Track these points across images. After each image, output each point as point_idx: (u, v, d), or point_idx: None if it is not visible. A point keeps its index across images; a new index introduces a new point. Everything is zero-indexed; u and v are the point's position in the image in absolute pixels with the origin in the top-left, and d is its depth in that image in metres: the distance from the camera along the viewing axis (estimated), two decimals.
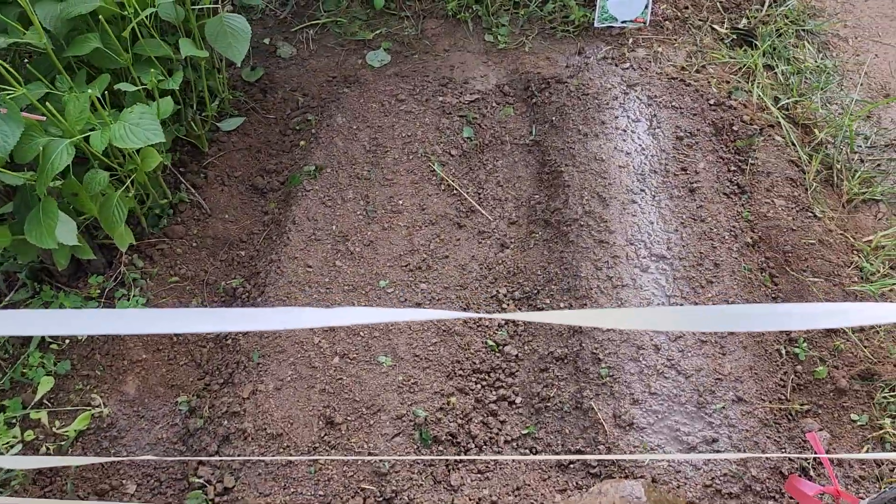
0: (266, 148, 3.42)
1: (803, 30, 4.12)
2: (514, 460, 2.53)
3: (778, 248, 3.00)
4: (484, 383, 2.69)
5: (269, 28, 4.06)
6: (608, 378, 2.55)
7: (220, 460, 2.45)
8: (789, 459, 2.43)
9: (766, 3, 4.14)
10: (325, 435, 2.46)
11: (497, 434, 2.57)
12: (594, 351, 2.61)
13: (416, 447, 2.43)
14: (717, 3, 4.15)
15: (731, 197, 3.15)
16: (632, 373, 2.55)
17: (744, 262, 2.90)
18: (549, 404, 2.59)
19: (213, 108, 3.21)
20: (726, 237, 2.95)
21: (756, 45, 3.90)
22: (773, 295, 2.88)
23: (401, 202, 3.08)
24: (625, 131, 3.29)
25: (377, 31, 3.98)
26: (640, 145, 3.23)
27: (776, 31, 4.01)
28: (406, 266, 2.89)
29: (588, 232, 2.94)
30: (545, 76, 3.65)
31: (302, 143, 3.38)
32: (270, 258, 2.94)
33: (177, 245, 2.98)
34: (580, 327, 2.69)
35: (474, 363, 2.72)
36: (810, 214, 3.13)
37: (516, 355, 2.76)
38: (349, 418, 2.49)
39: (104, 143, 2.27)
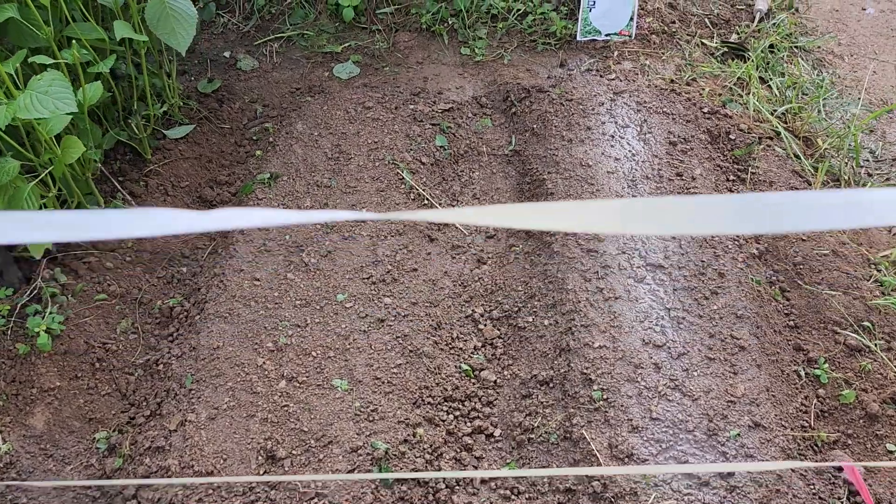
0: (218, 158, 3.09)
1: (796, 46, 3.90)
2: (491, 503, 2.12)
3: (787, 259, 2.67)
4: (457, 413, 2.30)
5: (231, 42, 3.79)
6: (602, 402, 2.17)
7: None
8: (819, 497, 2.04)
9: (756, 19, 3.93)
10: (265, 472, 2.05)
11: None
12: (584, 371, 2.24)
13: (374, 486, 2.02)
14: (706, 19, 3.94)
15: None
16: (629, 395, 2.18)
17: (751, 274, 2.56)
18: (532, 436, 2.20)
19: (156, 108, 2.88)
20: (730, 246, 2.63)
21: (749, 57, 3.67)
22: (786, 311, 2.54)
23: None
24: (612, 137, 2.99)
25: (346, 44, 3.72)
26: (629, 151, 2.93)
27: (769, 46, 3.78)
28: (368, 279, 2.53)
29: (574, 241, 2.61)
30: (525, 86, 3.37)
31: (258, 152, 3.06)
32: (213, 272, 2.58)
33: (107, 258, 2.61)
34: (568, 346, 2.33)
35: (445, 389, 2.33)
36: None
37: (495, 381, 2.38)
38: (294, 452, 2.09)
39: (7, 118, 1.93)
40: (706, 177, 2.87)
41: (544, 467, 2.13)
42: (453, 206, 2.93)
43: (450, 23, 3.79)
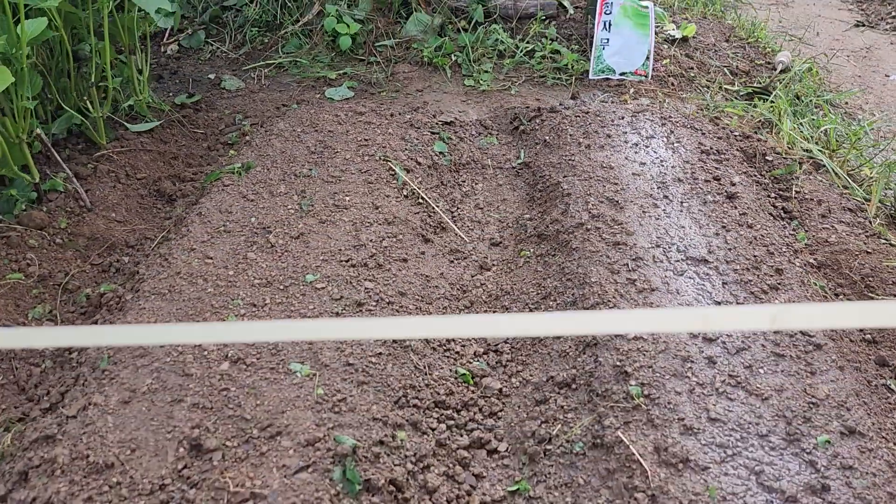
0: (185, 158, 2.71)
1: (823, 99, 3.64)
2: None
3: (852, 272, 2.23)
4: (451, 423, 1.76)
5: (218, 67, 3.52)
6: (642, 399, 1.65)
7: None
8: None
9: (778, 70, 3.71)
10: (186, 466, 1.49)
11: (469, 493, 1.61)
12: (618, 363, 1.73)
13: (334, 492, 1.46)
14: (725, 69, 3.71)
15: (778, 220, 2.43)
16: (678, 391, 1.66)
17: (813, 279, 2.11)
18: (550, 447, 1.66)
19: (115, 81, 2.53)
20: (784, 249, 2.19)
21: (777, 96, 3.39)
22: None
23: (347, 199, 2.32)
24: (636, 145, 2.63)
25: (341, 72, 3.46)
26: (656, 157, 2.56)
27: (795, 94, 3.52)
28: (347, 261, 2.06)
29: (598, 235, 2.17)
30: (535, 107, 3.07)
31: (232, 152, 2.68)
32: (159, 252, 2.12)
33: (31, 236, 2.16)
34: (595, 339, 1.83)
35: (437, 393, 1.81)
36: (884, 241, 2.39)
37: (500, 389, 1.86)
38: (229, 442, 1.54)
39: None
40: (747, 186, 2.48)
41: (566, 484, 1.57)
42: (453, 213, 2.51)
43: (453, 58, 3.55)
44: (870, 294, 2.16)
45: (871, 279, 2.20)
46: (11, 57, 2.05)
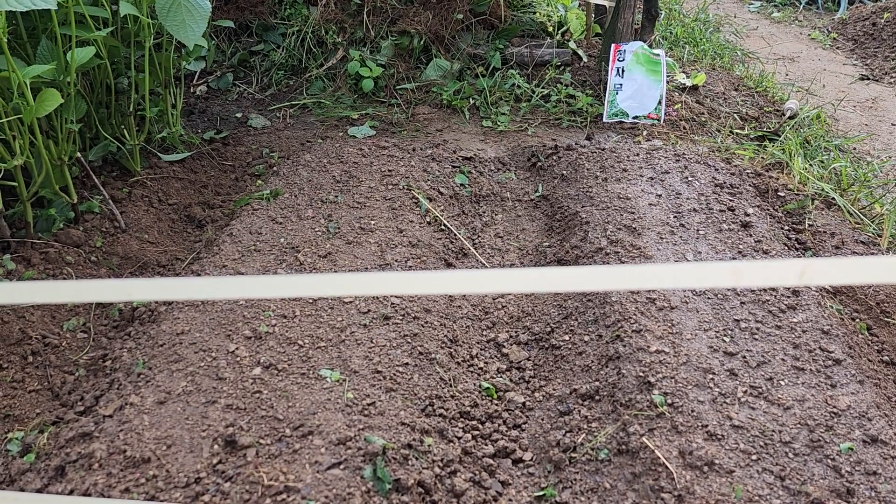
0: (214, 186, 2.80)
1: (832, 144, 3.74)
2: None
3: (867, 299, 2.27)
4: (476, 433, 1.79)
5: (245, 107, 3.66)
6: (666, 407, 1.68)
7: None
8: None
9: (787, 115, 3.82)
10: (220, 461, 1.52)
11: (496, 498, 1.63)
12: (641, 374, 1.77)
13: (365, 489, 1.49)
14: (734, 115, 3.82)
15: (793, 250, 2.49)
16: (700, 400, 1.69)
17: (830, 303, 2.15)
18: (575, 455, 1.68)
19: (153, 110, 2.64)
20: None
21: (787, 139, 3.48)
22: (878, 347, 2.09)
23: (373, 223, 2.39)
24: (652, 178, 2.71)
25: (363, 112, 3.58)
26: (672, 190, 2.63)
27: (804, 138, 3.62)
28: None
29: (617, 259, 2.23)
30: (552, 146, 3.16)
31: (259, 182, 2.77)
32: (192, 269, 2.18)
33: (69, 252, 2.23)
34: (617, 353, 1.87)
35: (462, 405, 1.84)
36: None
37: (523, 403, 1.90)
38: (263, 440, 1.57)
39: None
40: (761, 217, 2.54)
41: (592, 489, 1.59)
42: (474, 240, 2.58)
43: (471, 101, 3.67)
44: (885, 318, 2.20)
45: (886, 304, 2.24)
46: (60, 83, 2.16)
